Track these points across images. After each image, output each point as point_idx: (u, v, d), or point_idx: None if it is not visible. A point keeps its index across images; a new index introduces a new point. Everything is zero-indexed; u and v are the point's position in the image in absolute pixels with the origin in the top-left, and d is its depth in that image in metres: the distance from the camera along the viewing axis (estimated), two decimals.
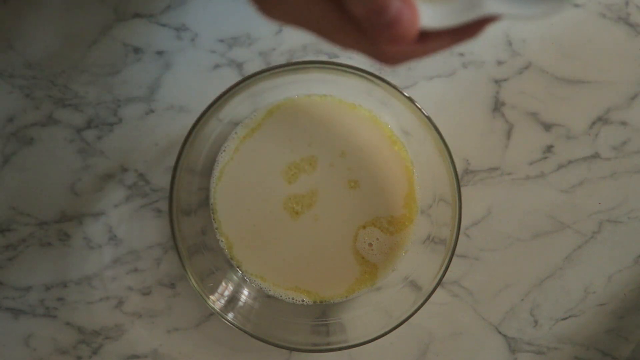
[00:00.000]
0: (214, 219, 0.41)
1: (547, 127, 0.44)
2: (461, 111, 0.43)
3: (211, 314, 0.43)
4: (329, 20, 0.22)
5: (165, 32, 0.42)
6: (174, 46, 0.42)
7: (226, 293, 0.40)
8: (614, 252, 0.45)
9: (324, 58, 0.42)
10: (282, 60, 0.42)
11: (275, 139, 0.41)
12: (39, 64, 0.41)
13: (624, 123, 0.44)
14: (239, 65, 0.42)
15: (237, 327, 0.38)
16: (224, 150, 0.41)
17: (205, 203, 0.41)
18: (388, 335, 0.38)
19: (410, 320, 0.38)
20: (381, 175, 0.41)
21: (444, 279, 0.38)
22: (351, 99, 0.41)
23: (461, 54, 0.43)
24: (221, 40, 0.42)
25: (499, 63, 0.43)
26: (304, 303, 0.42)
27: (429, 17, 0.21)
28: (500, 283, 0.44)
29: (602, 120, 0.44)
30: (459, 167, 0.43)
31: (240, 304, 0.41)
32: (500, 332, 0.45)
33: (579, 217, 0.44)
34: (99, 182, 0.42)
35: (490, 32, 0.43)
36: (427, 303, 0.38)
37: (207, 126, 0.37)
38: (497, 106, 0.43)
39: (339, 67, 0.36)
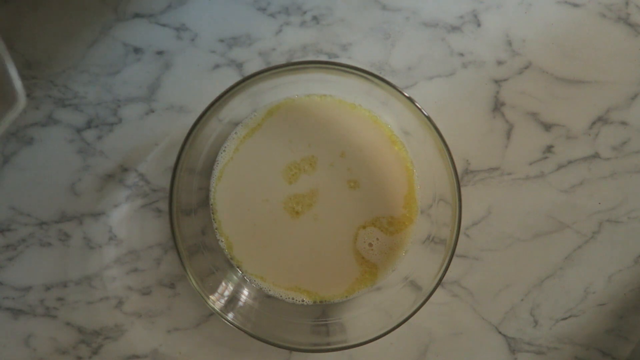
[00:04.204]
0: (214, 219, 0.41)
1: (547, 127, 0.44)
2: (461, 111, 0.43)
3: (211, 314, 0.43)
4: None
5: (165, 32, 0.42)
6: (174, 46, 0.42)
7: (226, 293, 0.40)
8: (614, 252, 0.45)
9: (324, 58, 0.42)
10: (282, 60, 0.42)
11: (275, 139, 0.41)
12: (39, 64, 0.41)
13: (624, 123, 0.44)
14: (239, 65, 0.42)
15: (237, 327, 0.38)
16: (224, 150, 0.41)
17: (205, 203, 0.41)
18: (388, 335, 0.38)
19: (410, 320, 0.38)
20: (381, 175, 0.41)
21: (444, 279, 0.38)
22: (351, 99, 0.41)
23: (461, 54, 0.43)
24: (221, 40, 0.42)
25: (499, 63, 0.43)
26: (304, 303, 0.42)
27: None
28: (500, 283, 0.44)
29: (602, 120, 0.44)
30: (459, 167, 0.43)
31: (240, 304, 0.41)
32: (500, 332, 0.45)
33: (579, 217, 0.44)
34: (99, 182, 0.42)
35: (491, 32, 0.43)
36: (427, 303, 0.38)
37: (207, 126, 0.37)
38: (497, 106, 0.43)
39: (339, 67, 0.36)
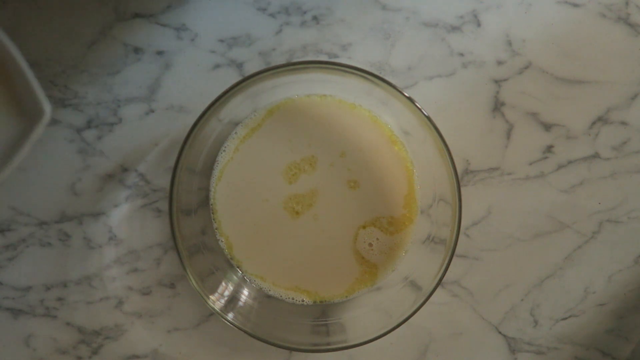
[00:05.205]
0: (214, 219, 0.41)
1: (547, 127, 0.44)
2: (461, 111, 0.43)
3: (211, 314, 0.43)
4: None
5: (165, 32, 0.42)
6: (174, 46, 0.42)
7: (226, 293, 0.40)
8: (614, 252, 0.45)
9: (324, 58, 0.42)
10: (282, 60, 0.42)
11: (275, 139, 0.41)
12: (39, 64, 0.41)
13: (624, 123, 0.44)
14: (239, 65, 0.42)
15: (237, 327, 0.38)
16: (224, 150, 0.41)
17: (205, 203, 0.41)
18: (388, 335, 0.38)
19: (410, 320, 0.38)
20: (381, 175, 0.41)
21: (444, 279, 0.38)
22: (351, 99, 0.41)
23: (461, 54, 0.43)
24: (221, 40, 0.42)
25: (499, 63, 0.43)
26: (304, 303, 0.42)
27: None
28: (500, 283, 0.44)
29: (602, 120, 0.44)
30: (459, 167, 0.43)
31: (240, 304, 0.41)
32: (500, 332, 0.45)
33: (579, 217, 0.44)
34: (99, 182, 0.42)
35: (491, 32, 0.43)
36: (427, 303, 0.38)
37: (207, 126, 0.37)
38: (497, 106, 0.43)
39: (339, 67, 0.36)
